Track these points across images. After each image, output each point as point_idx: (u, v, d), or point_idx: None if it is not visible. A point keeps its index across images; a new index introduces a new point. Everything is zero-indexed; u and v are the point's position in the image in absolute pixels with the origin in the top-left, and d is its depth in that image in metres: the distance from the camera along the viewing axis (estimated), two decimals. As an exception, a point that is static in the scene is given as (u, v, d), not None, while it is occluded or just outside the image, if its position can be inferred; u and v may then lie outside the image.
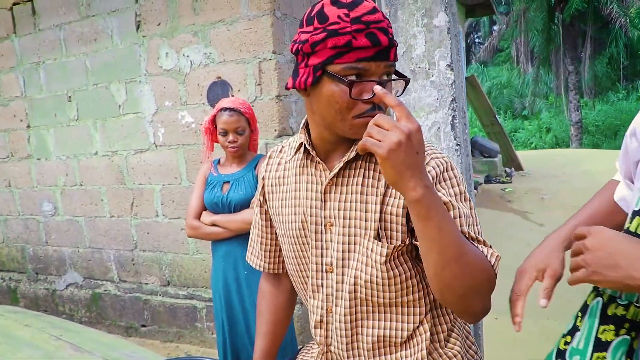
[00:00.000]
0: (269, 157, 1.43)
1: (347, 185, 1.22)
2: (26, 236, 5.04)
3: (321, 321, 1.30)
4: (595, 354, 1.04)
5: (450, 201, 1.12)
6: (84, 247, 4.66)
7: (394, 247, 1.17)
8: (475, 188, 9.00)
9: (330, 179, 1.23)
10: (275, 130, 3.51)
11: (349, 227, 1.21)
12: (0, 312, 2.58)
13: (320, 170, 1.25)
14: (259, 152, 2.82)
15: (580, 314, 1.12)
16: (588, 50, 23.61)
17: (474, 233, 1.13)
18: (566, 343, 1.14)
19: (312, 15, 1.13)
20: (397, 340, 1.24)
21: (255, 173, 2.62)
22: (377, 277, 1.19)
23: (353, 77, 1.08)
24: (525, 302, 1.29)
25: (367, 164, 1.21)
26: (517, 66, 26.91)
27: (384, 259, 1.17)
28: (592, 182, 9.69)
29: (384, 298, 1.22)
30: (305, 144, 1.25)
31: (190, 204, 2.75)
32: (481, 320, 2.45)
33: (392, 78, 1.16)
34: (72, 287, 4.83)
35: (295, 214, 1.30)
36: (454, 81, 2.00)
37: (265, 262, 1.49)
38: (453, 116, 1.99)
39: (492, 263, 1.10)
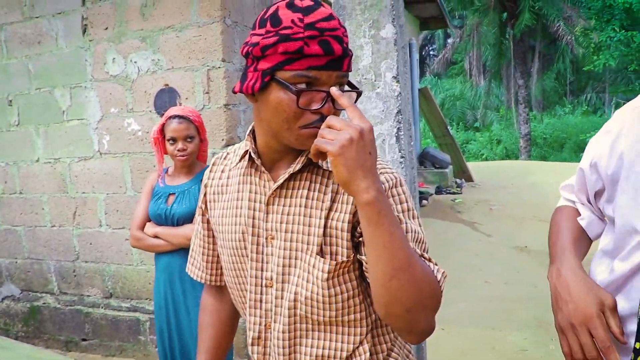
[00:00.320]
0: (213, 164, 1.38)
1: (291, 198, 1.18)
2: (-38, 246, 4.82)
3: (259, 337, 1.26)
4: None
5: (399, 217, 1.10)
6: (22, 258, 4.47)
7: (337, 263, 1.13)
8: (426, 199, 9.11)
9: (274, 190, 1.18)
10: (223, 139, 3.45)
11: (291, 241, 1.17)
12: None
13: (265, 181, 1.20)
14: (208, 164, 2.76)
15: None
16: (537, 65, 24.43)
17: (421, 250, 1.10)
18: None
19: (265, 17, 1.08)
20: None
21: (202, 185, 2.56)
22: (318, 294, 1.15)
23: (303, 86, 1.04)
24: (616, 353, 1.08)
25: (313, 176, 1.17)
26: (469, 79, 27.61)
27: (326, 275, 1.13)
28: (539, 194, 9.97)
29: (324, 316, 1.18)
30: (250, 152, 1.21)
31: (135, 214, 2.70)
32: (425, 342, 2.45)
33: (344, 89, 1.12)
34: (8, 300, 4.63)
35: (236, 224, 1.25)
36: (400, 93, 1.99)
37: (206, 273, 1.44)
38: (398, 128, 1.98)
39: (439, 279, 1.07)
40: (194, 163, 2.65)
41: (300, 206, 1.16)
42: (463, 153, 22.47)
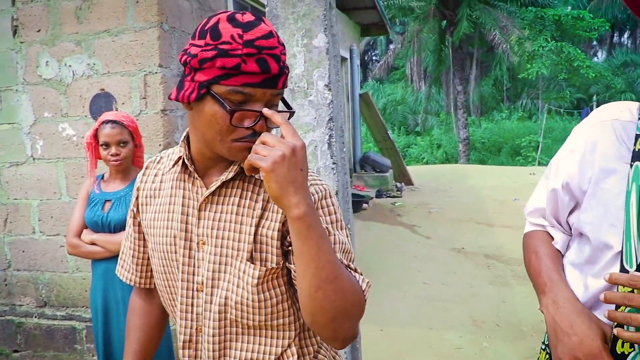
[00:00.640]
0: (146, 168, 1.39)
1: (222, 205, 1.20)
2: None
3: (190, 341, 1.28)
4: None
5: (328, 228, 1.14)
6: (-50, 267, 4.31)
7: (267, 269, 1.17)
8: (367, 202, 9.23)
9: (206, 197, 1.21)
10: (160, 145, 3.43)
11: (222, 247, 1.20)
12: None
13: (197, 187, 1.23)
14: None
15: None
16: (475, 72, 25.14)
17: (347, 260, 1.15)
18: None
19: (206, 28, 1.08)
20: None
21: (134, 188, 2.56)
22: (247, 299, 1.18)
23: (237, 100, 1.06)
24: None
25: (245, 184, 1.20)
26: (411, 84, 28.13)
27: (255, 281, 1.17)
28: (477, 197, 10.28)
29: (254, 320, 1.21)
30: (184, 158, 1.23)
31: (71, 221, 2.67)
32: (359, 341, 2.52)
33: (278, 106, 1.15)
34: (-64, 310, 4.45)
35: (167, 228, 1.27)
36: (332, 101, 2.05)
37: (136, 275, 1.44)
38: (330, 135, 2.04)
39: (364, 289, 1.13)
40: (129, 169, 2.65)
41: (231, 213, 1.19)
42: (404, 157, 22.86)
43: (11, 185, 3.96)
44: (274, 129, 1.14)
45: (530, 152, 20.56)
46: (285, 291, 1.22)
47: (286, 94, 2.12)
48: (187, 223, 1.24)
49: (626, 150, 1.11)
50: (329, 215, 1.18)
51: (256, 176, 1.20)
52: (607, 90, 24.15)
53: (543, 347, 1.33)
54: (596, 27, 19.08)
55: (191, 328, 1.27)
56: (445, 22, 21.74)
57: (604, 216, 1.11)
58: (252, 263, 1.17)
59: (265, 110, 1.04)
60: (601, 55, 34.05)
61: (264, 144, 1.00)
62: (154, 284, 1.43)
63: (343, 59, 10.66)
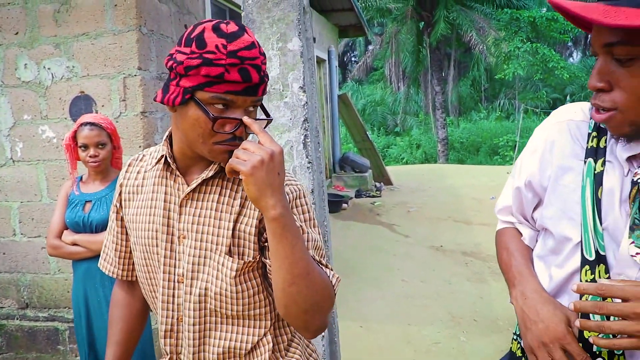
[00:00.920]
0: (129, 165, 1.45)
1: (202, 201, 1.28)
2: None
3: (171, 330, 1.34)
4: None
5: (302, 226, 1.22)
6: None
7: (245, 262, 1.25)
8: (346, 202, 9.31)
9: (187, 194, 1.28)
10: (140, 146, 3.48)
11: (201, 241, 1.27)
12: None
13: (179, 184, 1.30)
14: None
15: None
16: (453, 72, 25.36)
17: (319, 257, 1.24)
18: None
19: (192, 37, 1.14)
20: (242, 352, 1.31)
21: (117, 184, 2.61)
22: (226, 290, 1.26)
23: (220, 107, 1.13)
24: None
25: (224, 182, 1.28)
26: (390, 85, 28.28)
27: (234, 273, 1.24)
28: (455, 196, 10.42)
29: (232, 310, 1.29)
30: (166, 156, 1.30)
31: (51, 223, 2.70)
32: (337, 328, 2.60)
33: (257, 110, 1.22)
34: None
35: (149, 223, 1.33)
36: (307, 102, 2.13)
37: (119, 268, 1.50)
38: (305, 135, 2.12)
39: (334, 284, 1.21)
40: (108, 170, 2.70)
41: (211, 209, 1.27)
42: (384, 157, 23.01)
43: (-9, 187, 3.98)
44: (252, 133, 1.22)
45: (508, 151, 20.84)
46: (261, 283, 1.30)
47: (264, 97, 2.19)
48: (169, 218, 1.31)
49: (580, 148, 1.19)
50: (303, 214, 1.27)
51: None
52: (582, 90, 24.53)
53: (514, 337, 1.39)
54: (570, 29, 19.39)
55: (172, 318, 1.34)
56: (422, 23, 21.94)
57: (563, 211, 1.19)
58: (231, 256, 1.25)
59: (245, 119, 1.11)
60: (576, 56, 34.52)
61: (244, 149, 1.08)
62: (136, 276, 1.49)
63: (321, 61, 10.74)
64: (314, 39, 9.13)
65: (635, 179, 1.04)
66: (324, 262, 1.25)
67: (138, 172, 1.42)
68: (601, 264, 1.06)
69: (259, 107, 1.24)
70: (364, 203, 9.88)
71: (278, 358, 1.35)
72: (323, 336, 2.29)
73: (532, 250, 1.36)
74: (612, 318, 1.00)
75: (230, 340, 1.31)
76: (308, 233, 1.23)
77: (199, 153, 1.22)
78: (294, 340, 1.40)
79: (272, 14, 2.21)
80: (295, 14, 2.19)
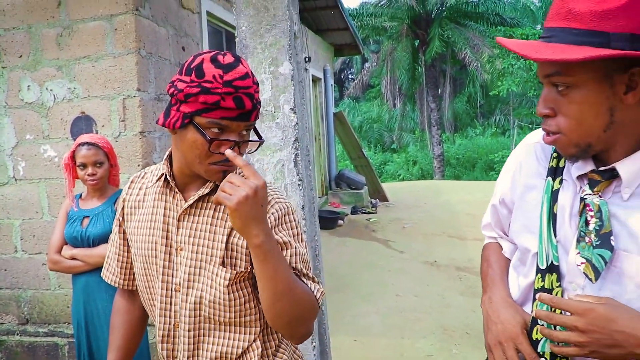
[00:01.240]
0: (131, 182, 1.57)
1: (198, 216, 1.39)
2: None
3: (168, 336, 1.45)
4: None
5: (290, 241, 1.35)
6: None
7: (237, 272, 1.36)
8: (342, 219, 9.40)
9: (185, 209, 1.40)
10: (139, 165, 3.60)
11: (197, 253, 1.38)
12: None
13: (177, 200, 1.41)
14: (121, 187, 2.92)
15: None
16: (448, 89, 25.57)
17: (306, 269, 1.37)
18: None
19: (191, 67, 1.25)
20: (233, 356, 1.42)
21: (115, 208, 2.72)
22: (220, 298, 1.37)
23: (216, 130, 1.25)
24: None
25: None
26: (386, 102, 28.50)
27: (227, 282, 1.36)
28: (450, 212, 10.51)
29: (225, 317, 1.40)
30: (166, 175, 1.42)
31: (52, 239, 2.81)
32: (328, 339, 2.70)
33: (250, 135, 1.35)
34: None
35: (149, 235, 1.45)
36: (297, 123, 2.25)
37: (120, 278, 1.61)
38: (296, 154, 2.24)
39: (317, 297, 1.34)
40: (105, 187, 2.81)
41: (206, 224, 1.39)
42: (380, 174, 23.13)
43: (-7, 205, 4.09)
44: (247, 145, 1.36)
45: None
46: (252, 292, 1.42)
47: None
48: (167, 231, 1.42)
49: (543, 168, 1.30)
50: (291, 229, 1.39)
51: None
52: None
53: None
54: (563, 46, 19.57)
55: (169, 324, 1.44)
56: (417, 41, 22.18)
57: (526, 225, 1.30)
58: (224, 267, 1.36)
59: (228, 152, 1.22)
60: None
61: (230, 183, 1.18)
62: (136, 285, 1.59)
63: (317, 79, 10.90)
64: (309, 58, 9.30)
65: (582, 195, 1.16)
66: (310, 274, 1.37)
67: (140, 189, 1.54)
68: (553, 273, 1.17)
69: (251, 130, 1.36)
70: (359, 219, 9.97)
71: None
72: (314, 346, 2.39)
73: (510, 261, 1.46)
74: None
75: (222, 345, 1.42)
76: (296, 248, 1.35)
77: (196, 172, 1.34)
78: (281, 346, 1.51)
79: (265, 39, 2.34)
80: (286, 40, 2.32)
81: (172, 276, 1.43)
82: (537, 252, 1.22)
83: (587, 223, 1.12)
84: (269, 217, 1.35)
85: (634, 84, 1.04)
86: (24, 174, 3.96)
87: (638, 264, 1.07)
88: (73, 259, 2.72)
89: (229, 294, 1.37)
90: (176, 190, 1.42)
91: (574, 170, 1.19)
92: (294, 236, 1.39)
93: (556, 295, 1.16)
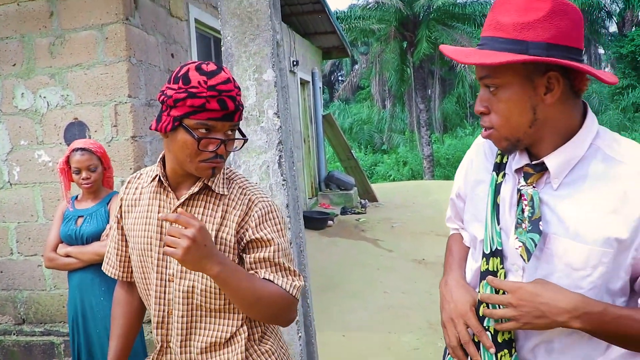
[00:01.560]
0: (128, 182, 1.72)
1: (190, 213, 1.54)
2: None
3: (162, 322, 1.59)
4: None
5: (273, 238, 1.51)
6: None
7: None
8: (332, 219, 9.53)
9: (177, 206, 1.54)
10: (131, 168, 3.73)
11: None
12: None
13: (170, 198, 1.56)
14: (115, 189, 3.06)
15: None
16: (438, 90, 25.73)
17: (287, 263, 1.53)
18: None
19: (179, 75, 1.41)
20: (222, 340, 1.56)
21: (108, 208, 2.86)
22: (210, 287, 1.52)
23: (203, 131, 1.40)
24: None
25: (208, 197, 1.55)
26: (376, 104, 28.65)
27: None
28: (438, 211, 10.64)
29: (215, 305, 1.54)
30: (160, 176, 1.56)
31: (48, 238, 2.95)
32: (314, 331, 2.84)
33: (235, 134, 1.52)
34: None
35: (145, 231, 1.59)
36: (281, 127, 2.40)
37: (119, 270, 1.75)
38: (280, 156, 2.39)
39: (292, 293, 1.51)
40: (99, 189, 2.95)
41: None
42: (371, 175, 23.26)
43: (-11, 210, 4.20)
44: (234, 144, 1.53)
45: (493, 166, 21.07)
46: None
47: (241, 122, 2.46)
48: (161, 227, 1.57)
49: (490, 164, 1.45)
50: (274, 225, 1.55)
51: (216, 189, 1.55)
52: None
53: None
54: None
55: (163, 312, 1.58)
56: (405, 43, 22.34)
57: (475, 215, 1.45)
58: None
59: (162, 216, 1.45)
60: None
61: (171, 236, 1.34)
62: (134, 277, 1.73)
63: (305, 82, 11.04)
64: (297, 61, 9.44)
65: (519, 187, 1.31)
66: (292, 268, 1.54)
67: (136, 188, 1.68)
68: (497, 257, 1.32)
69: (236, 130, 1.52)
70: (349, 220, 10.10)
71: (252, 346, 1.59)
72: (300, 337, 2.53)
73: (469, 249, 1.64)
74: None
75: (212, 330, 1.56)
76: (279, 244, 1.52)
77: (188, 171, 1.49)
78: (266, 332, 1.66)
79: (249, 48, 2.48)
80: (269, 49, 2.47)
81: (166, 267, 1.56)
82: (483, 238, 1.37)
83: (523, 211, 1.27)
84: (252, 216, 1.52)
85: (552, 85, 1.20)
86: (19, 179, 4.08)
87: (565, 246, 1.22)
88: (68, 256, 2.86)
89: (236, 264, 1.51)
90: (169, 189, 1.56)
91: (512, 164, 1.35)
92: (277, 231, 1.54)
93: (500, 276, 1.31)
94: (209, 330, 1.56)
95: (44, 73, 3.91)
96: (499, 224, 1.33)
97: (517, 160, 1.33)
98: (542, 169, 1.28)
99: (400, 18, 21.20)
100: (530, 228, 1.24)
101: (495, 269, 1.32)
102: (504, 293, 1.27)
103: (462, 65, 21.10)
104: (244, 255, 1.53)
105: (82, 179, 2.85)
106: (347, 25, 20.03)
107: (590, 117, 1.27)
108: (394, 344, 4.64)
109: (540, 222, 1.23)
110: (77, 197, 3.00)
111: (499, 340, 1.30)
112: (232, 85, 1.43)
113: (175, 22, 4.54)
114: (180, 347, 1.57)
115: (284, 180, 2.39)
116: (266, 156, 2.39)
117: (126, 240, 1.72)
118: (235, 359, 1.55)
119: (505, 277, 1.32)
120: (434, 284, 6.37)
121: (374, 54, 24.00)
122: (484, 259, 1.35)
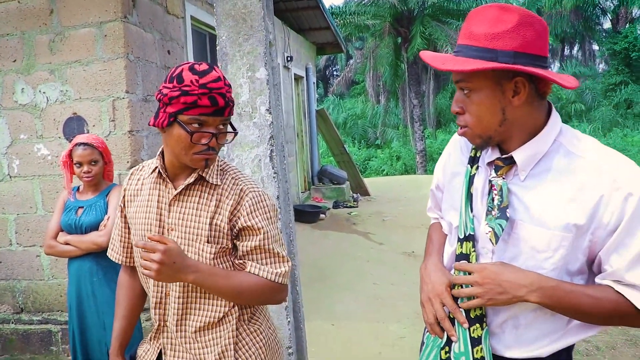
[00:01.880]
0: (131, 174, 1.86)
1: (186, 202, 1.68)
2: None
3: (160, 302, 1.73)
4: (475, 349, 1.44)
5: (263, 226, 1.66)
6: None
7: (221, 247, 1.65)
8: (324, 213, 9.67)
9: (175, 196, 1.68)
10: (128, 162, 3.86)
11: (186, 232, 1.67)
12: None
13: (169, 188, 1.70)
14: (114, 182, 3.19)
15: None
16: (431, 85, 25.84)
17: (277, 248, 1.69)
18: (447, 352, 1.50)
19: (174, 75, 1.54)
20: (215, 320, 1.70)
21: (107, 200, 3.00)
22: None
23: (196, 125, 1.54)
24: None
25: (203, 187, 1.68)
26: (370, 99, 28.74)
27: (212, 255, 1.64)
28: (429, 205, 10.77)
29: None
30: (159, 168, 1.70)
31: (49, 226, 3.08)
32: (302, 316, 2.98)
33: (227, 127, 1.65)
34: None
35: (146, 219, 1.72)
36: (272, 122, 2.54)
37: (123, 256, 1.88)
38: (271, 150, 2.53)
39: (278, 281, 1.67)
40: (100, 182, 3.08)
41: (192, 208, 1.67)
42: (364, 170, 23.37)
43: (-11, 201, 4.32)
44: (226, 138, 1.66)
45: (485, 161, 21.20)
46: (232, 265, 1.70)
47: (234, 117, 2.61)
48: (160, 215, 1.70)
49: (465, 157, 1.60)
50: (265, 214, 1.69)
51: (210, 179, 1.69)
52: (558, 101, 25.23)
53: None
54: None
55: (161, 293, 1.72)
56: (400, 38, 22.43)
57: (451, 204, 1.60)
58: (209, 243, 1.65)
59: (139, 244, 1.56)
60: (553, 68, 35.34)
61: (145, 260, 1.51)
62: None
63: (299, 78, 11.15)
64: (291, 57, 9.55)
65: (490, 178, 1.46)
66: (282, 253, 1.69)
67: (138, 180, 1.82)
68: (470, 241, 1.47)
69: (228, 125, 1.66)
70: (341, 213, 10.23)
71: (242, 325, 1.74)
72: (289, 322, 2.67)
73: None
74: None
75: (206, 311, 1.69)
76: (269, 231, 1.66)
77: (184, 163, 1.63)
78: (255, 313, 1.80)
79: (243, 48, 2.62)
80: (262, 48, 2.60)
81: None
82: (458, 225, 1.52)
83: (493, 200, 1.42)
84: (244, 205, 1.66)
85: (518, 89, 1.33)
86: (19, 172, 4.20)
87: (530, 231, 1.37)
88: (67, 244, 2.99)
89: (213, 266, 1.64)
90: (167, 180, 1.70)
91: (485, 158, 1.49)
92: (267, 219, 1.68)
93: (472, 259, 1.46)
94: (203, 310, 1.69)
95: (43, 69, 4.02)
96: (472, 211, 1.48)
97: (489, 155, 1.48)
98: (511, 162, 1.42)
99: (395, 14, 21.26)
100: (499, 215, 1.39)
101: (468, 252, 1.47)
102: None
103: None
104: (237, 242, 1.67)
105: (84, 172, 2.97)
106: (342, 21, 20.09)
107: (554, 116, 1.40)
108: (381, 333, 4.78)
109: (508, 210, 1.38)
110: (78, 188, 3.13)
111: (472, 316, 1.44)
112: (222, 83, 1.56)
113: (171, 19, 4.66)
114: (177, 327, 1.70)
115: (275, 173, 2.53)
116: (258, 150, 2.53)
117: (129, 228, 1.85)
118: (226, 337, 1.69)
119: (477, 259, 1.46)
120: (423, 276, 6.51)
121: (368, 49, 24.07)
122: (459, 243, 1.50)
